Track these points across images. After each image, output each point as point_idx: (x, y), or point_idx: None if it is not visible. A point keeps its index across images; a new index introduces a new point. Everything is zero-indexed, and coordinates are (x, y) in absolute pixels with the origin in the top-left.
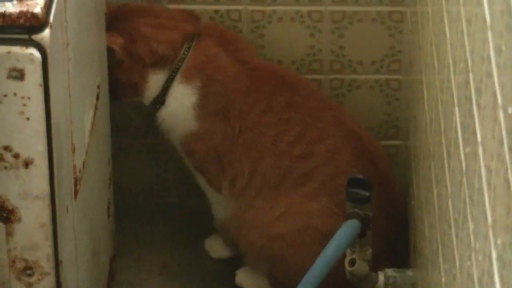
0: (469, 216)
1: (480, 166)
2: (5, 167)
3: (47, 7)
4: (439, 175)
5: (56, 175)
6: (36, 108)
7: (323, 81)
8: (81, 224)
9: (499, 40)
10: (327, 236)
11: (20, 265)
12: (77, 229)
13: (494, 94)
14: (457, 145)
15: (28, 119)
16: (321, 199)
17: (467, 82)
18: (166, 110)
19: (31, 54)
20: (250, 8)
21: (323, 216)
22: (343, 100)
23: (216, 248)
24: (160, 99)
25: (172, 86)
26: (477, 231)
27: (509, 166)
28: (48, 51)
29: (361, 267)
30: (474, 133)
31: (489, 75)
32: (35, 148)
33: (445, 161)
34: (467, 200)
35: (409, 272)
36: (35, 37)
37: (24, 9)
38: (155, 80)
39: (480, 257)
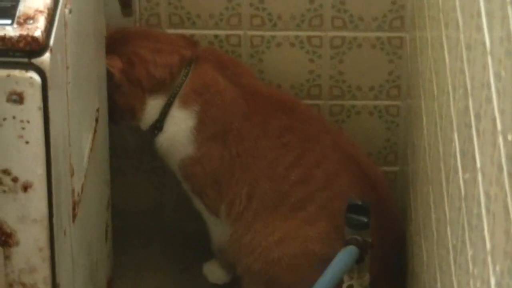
0: (467, 242)
1: (479, 192)
2: (4, 191)
3: (48, 30)
4: (437, 200)
5: (54, 198)
6: (36, 131)
7: (322, 106)
8: (79, 248)
9: (499, 66)
10: (325, 261)
11: None
12: (74, 253)
13: (494, 120)
14: (456, 171)
15: (27, 142)
16: (319, 223)
17: (466, 108)
18: (164, 135)
19: (30, 77)
20: (250, 33)
21: (321, 241)
22: (343, 125)
23: (214, 272)
24: (159, 124)
25: (170, 111)
26: (476, 257)
27: (508, 193)
28: (48, 74)
29: None
30: (474, 159)
31: (489, 101)
32: (34, 172)
33: (444, 186)
34: (466, 226)
35: None
36: (35, 60)
37: (24, 32)
38: (153, 105)
39: (478, 284)
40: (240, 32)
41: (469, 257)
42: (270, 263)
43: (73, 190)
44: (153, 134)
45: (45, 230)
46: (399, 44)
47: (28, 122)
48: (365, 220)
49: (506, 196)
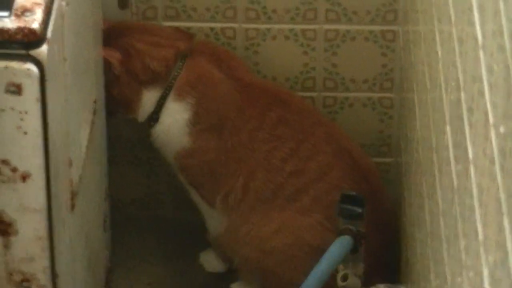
0: (460, 233)
1: (471, 184)
2: (3, 181)
3: (45, 22)
4: (430, 192)
5: (53, 188)
6: (34, 122)
7: (316, 98)
8: (77, 237)
9: (491, 59)
10: (320, 251)
11: (17, 277)
12: (73, 242)
13: (486, 113)
14: (448, 163)
15: (25, 133)
16: (313, 214)
17: (458, 100)
18: (160, 127)
19: (28, 69)
20: (245, 26)
21: (316, 231)
22: (336, 117)
23: (211, 262)
24: (154, 116)
25: (165, 103)
26: (468, 248)
27: (500, 184)
28: (45, 66)
29: (354, 282)
30: (466, 151)
31: (481, 94)
32: (33, 162)
33: (437, 178)
34: (459, 217)
35: (401, 287)
36: (32, 52)
37: (22, 24)
38: (149, 97)
39: (471, 274)
40: (235, 25)
41: (462, 248)
42: (266, 253)
43: (71, 181)
44: (149, 126)
45: (44, 220)
46: (392, 38)
47: (26, 113)
48: (359, 210)
49: (498, 188)
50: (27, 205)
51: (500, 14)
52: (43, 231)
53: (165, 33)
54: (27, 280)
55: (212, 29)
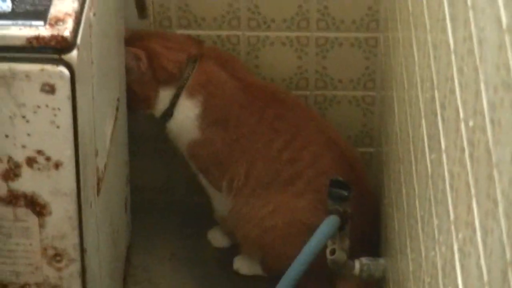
0: (433, 213)
1: (443, 171)
2: (39, 169)
3: (75, 31)
4: (407, 178)
5: (81, 175)
6: (65, 117)
7: (309, 96)
8: (102, 217)
9: (461, 62)
10: (311, 228)
11: (50, 252)
12: (99, 222)
13: (457, 109)
14: (423, 152)
15: (58, 127)
16: (306, 197)
17: (433, 98)
18: (173, 121)
19: (61, 71)
20: (247, 34)
21: (308, 212)
22: (326, 113)
23: (217, 238)
24: (169, 112)
25: (178, 100)
26: (441, 226)
27: (469, 171)
28: (75, 69)
29: (340, 256)
30: (439, 142)
31: (452, 92)
32: (64, 152)
33: (413, 165)
34: (432, 199)
35: (381, 261)
36: (64, 57)
37: (55, 32)
38: (164, 96)
39: (443, 249)
40: (239, 33)
41: (435, 226)
42: (265, 231)
43: (97, 168)
44: (164, 120)
45: (73, 202)
46: (374, 43)
47: (59, 109)
48: (346, 193)
49: (467, 174)
50: (59, 189)
51: (469, 23)
52: (73, 212)
53: (179, 39)
54: (59, 255)
55: (218, 36)
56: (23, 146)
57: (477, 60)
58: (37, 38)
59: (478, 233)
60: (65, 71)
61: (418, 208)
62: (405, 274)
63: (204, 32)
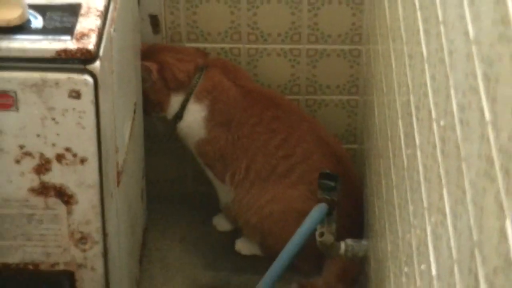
0: (409, 200)
1: (418, 164)
2: (67, 164)
3: (98, 44)
4: (386, 170)
5: (104, 169)
6: (89, 119)
7: (301, 100)
8: (122, 206)
9: (434, 70)
10: (303, 215)
11: (77, 236)
12: (119, 209)
13: (430, 111)
14: (400, 148)
15: (83, 128)
16: (299, 187)
17: (408, 101)
18: (183, 123)
19: (85, 79)
20: (247, 46)
21: (300, 200)
22: (316, 114)
23: (221, 223)
24: (179, 115)
25: (187, 105)
26: (416, 212)
27: (440, 164)
28: (98, 77)
29: (328, 238)
30: (414, 139)
31: (426, 96)
32: (89, 149)
33: (391, 160)
34: (408, 189)
35: (364, 242)
36: (88, 67)
37: (81, 46)
38: (175, 101)
39: (417, 231)
40: (240, 46)
41: (410, 212)
42: (263, 217)
43: (117, 163)
44: (175, 122)
45: (97, 193)
46: (357, 54)
47: (84, 112)
48: (333, 184)
49: (439, 167)
50: (84, 182)
51: (441, 36)
52: (96, 201)
53: (187, 51)
54: (84, 238)
55: (222, 48)
56: (53, 144)
57: (448, 68)
58: (65, 50)
59: (448, 218)
60: (89, 79)
61: (395, 196)
62: (384, 254)
63: (209, 45)
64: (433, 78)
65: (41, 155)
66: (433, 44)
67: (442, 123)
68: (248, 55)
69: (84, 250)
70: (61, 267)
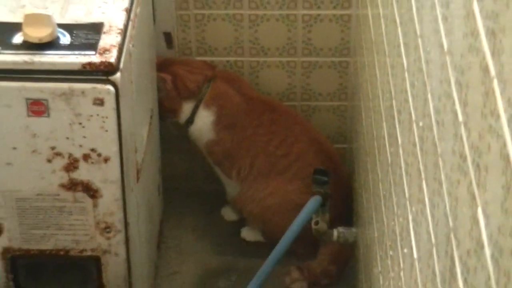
0: (393, 192)
1: (400, 160)
2: (92, 162)
3: (118, 58)
4: (372, 166)
5: (124, 167)
6: (112, 124)
7: (297, 106)
8: (141, 199)
9: (413, 78)
10: (300, 206)
11: (102, 225)
12: (138, 202)
13: (410, 114)
14: (384, 147)
15: (106, 131)
16: (295, 182)
17: (391, 105)
18: (194, 127)
19: (108, 89)
20: (249, 59)
21: (297, 193)
22: (310, 118)
23: (228, 214)
24: (190, 120)
25: (198, 111)
26: (398, 202)
27: (420, 160)
28: (119, 87)
29: (322, 226)
30: (396, 138)
31: (406, 101)
32: (111, 150)
33: (377, 157)
34: (392, 182)
35: (354, 229)
36: (110, 78)
37: (104, 59)
38: (187, 107)
39: (400, 219)
40: (243, 59)
41: (394, 203)
42: (264, 208)
43: (136, 162)
44: (187, 126)
45: (119, 188)
46: (346, 66)
47: (107, 117)
48: (326, 179)
49: (418, 162)
50: (108, 178)
51: (418, 48)
52: (118, 195)
53: (197, 64)
54: (109, 227)
55: (227, 61)
56: (80, 146)
57: (425, 76)
58: (90, 64)
59: (427, 207)
60: (111, 88)
61: (381, 189)
62: (371, 239)
63: (216, 58)
64: (412, 85)
65: (70, 155)
66: (412, 55)
67: (421, 124)
68: (250, 67)
69: (108, 238)
70: (89, 253)
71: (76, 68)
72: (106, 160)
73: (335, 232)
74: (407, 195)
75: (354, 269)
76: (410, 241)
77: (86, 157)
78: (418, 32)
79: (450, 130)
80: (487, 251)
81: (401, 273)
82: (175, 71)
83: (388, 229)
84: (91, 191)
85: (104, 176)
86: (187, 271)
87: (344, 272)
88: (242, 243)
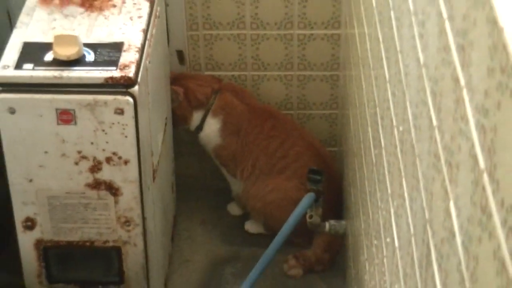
0: (377, 189)
1: (383, 161)
2: (114, 164)
3: (136, 73)
4: (359, 166)
5: (142, 168)
6: (131, 130)
7: (293, 114)
8: (157, 196)
9: (394, 88)
10: (297, 202)
11: (122, 219)
12: (155, 199)
13: (391, 119)
14: (369, 149)
15: (126, 137)
16: (293, 181)
17: (375, 113)
18: (203, 133)
19: (127, 100)
20: (252, 73)
21: (294, 191)
22: (305, 125)
23: (233, 209)
24: (200, 127)
25: (206, 119)
26: (382, 198)
27: (400, 160)
28: (137, 98)
29: (316, 219)
30: (380, 141)
31: (388, 108)
32: (130, 153)
33: (363, 158)
34: (376, 180)
35: (343, 222)
36: (130, 90)
37: (124, 74)
38: (196, 116)
39: (384, 212)
40: (246, 73)
41: (378, 198)
42: (266, 204)
43: (153, 164)
44: (197, 132)
45: (137, 187)
46: (336, 79)
47: (127, 125)
48: (319, 178)
49: (399, 162)
50: (127, 178)
51: (398, 62)
52: (137, 193)
53: (205, 78)
54: (128, 221)
55: (232, 75)
56: (103, 150)
57: (404, 86)
58: (111, 78)
59: (407, 201)
60: (130, 99)
61: (367, 186)
62: (359, 231)
63: (222, 73)
64: (393, 94)
65: (94, 158)
66: (393, 68)
67: (401, 128)
68: (252, 80)
69: (128, 231)
70: (111, 244)
71: (99, 82)
72: (126, 162)
73: (327, 225)
74: (389, 191)
75: (344, 257)
76: (392, 231)
77: (108, 159)
78: (398, 48)
79: (426, 133)
80: (458, 239)
81: (384, 260)
82: (187, 84)
83: (373, 221)
84: (113, 190)
85: (124, 177)
86: (198, 259)
87: (336, 259)
88: (246, 235)
